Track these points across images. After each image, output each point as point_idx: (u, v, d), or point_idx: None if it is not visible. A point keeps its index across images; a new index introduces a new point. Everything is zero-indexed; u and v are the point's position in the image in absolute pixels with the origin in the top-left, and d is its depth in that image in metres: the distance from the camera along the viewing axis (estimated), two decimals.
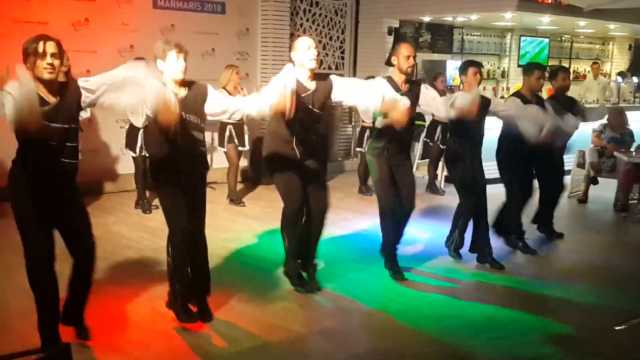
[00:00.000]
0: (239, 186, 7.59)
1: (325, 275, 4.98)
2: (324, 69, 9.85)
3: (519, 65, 11.43)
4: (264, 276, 4.95)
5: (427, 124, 8.56)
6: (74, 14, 7.56)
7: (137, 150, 6.66)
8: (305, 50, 4.31)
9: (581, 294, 4.85)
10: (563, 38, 12.83)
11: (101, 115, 7.32)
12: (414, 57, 4.77)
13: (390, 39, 9.93)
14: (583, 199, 7.98)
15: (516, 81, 11.32)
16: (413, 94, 4.82)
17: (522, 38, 11.80)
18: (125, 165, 7.60)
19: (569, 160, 8.57)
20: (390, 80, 4.81)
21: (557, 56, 12.83)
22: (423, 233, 6.23)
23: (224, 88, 6.85)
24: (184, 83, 3.89)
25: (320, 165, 4.61)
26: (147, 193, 6.92)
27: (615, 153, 7.78)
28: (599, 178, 7.99)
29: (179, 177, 3.89)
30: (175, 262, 3.97)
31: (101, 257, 5.28)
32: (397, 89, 4.77)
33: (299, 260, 4.70)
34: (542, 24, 10.63)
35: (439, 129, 8.19)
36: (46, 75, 3.33)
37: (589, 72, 12.72)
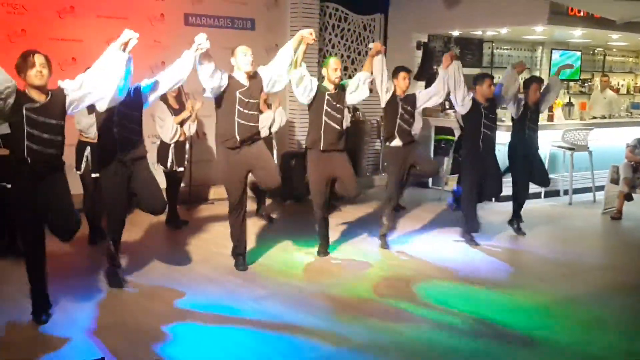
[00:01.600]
0: (267, 201, 7.61)
1: (355, 291, 4.98)
2: None
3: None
4: (292, 292, 4.95)
5: (455, 138, 8.48)
6: (107, 32, 7.69)
7: (169, 165, 6.73)
8: (242, 56, 5.13)
9: (615, 313, 4.74)
10: (596, 51, 12.62)
11: None
12: (340, 70, 5.67)
13: (419, 53, 9.90)
14: (617, 216, 7.80)
15: None
16: (342, 98, 5.67)
17: (554, 51, 11.63)
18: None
19: (602, 176, 8.43)
20: (322, 87, 5.58)
21: (590, 69, 12.60)
22: (455, 251, 6.18)
23: None
24: None
25: (261, 146, 5.26)
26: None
27: None
28: (633, 194, 7.82)
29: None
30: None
31: (129, 270, 5.35)
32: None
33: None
34: (573, 37, 10.48)
35: None
36: (36, 82, 3.95)
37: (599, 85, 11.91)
